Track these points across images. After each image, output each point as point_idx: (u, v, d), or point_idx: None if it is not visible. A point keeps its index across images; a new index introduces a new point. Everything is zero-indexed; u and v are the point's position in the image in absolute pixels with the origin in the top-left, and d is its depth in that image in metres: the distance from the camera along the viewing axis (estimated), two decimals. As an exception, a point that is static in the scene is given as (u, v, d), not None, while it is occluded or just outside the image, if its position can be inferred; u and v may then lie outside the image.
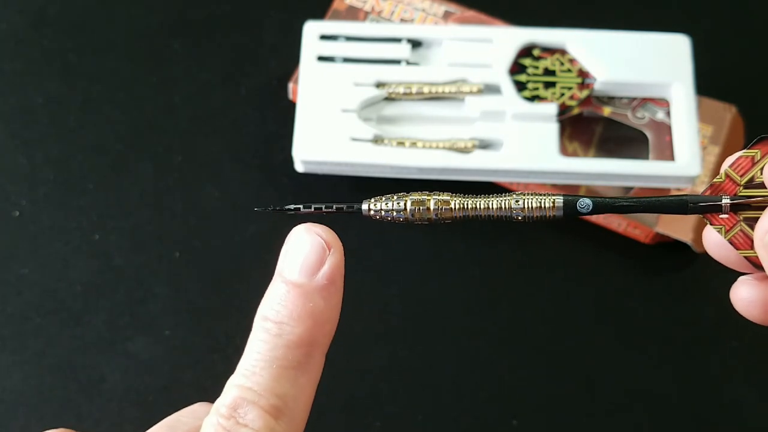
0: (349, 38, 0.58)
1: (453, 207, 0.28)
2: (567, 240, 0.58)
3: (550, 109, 0.56)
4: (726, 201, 0.26)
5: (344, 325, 0.58)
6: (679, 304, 0.57)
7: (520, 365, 0.55)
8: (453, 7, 0.61)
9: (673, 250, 0.56)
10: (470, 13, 0.61)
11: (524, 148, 0.55)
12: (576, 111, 0.57)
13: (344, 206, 0.28)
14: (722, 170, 0.27)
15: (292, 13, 0.62)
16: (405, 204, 0.28)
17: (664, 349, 0.56)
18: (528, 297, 0.57)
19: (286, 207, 0.28)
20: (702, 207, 0.27)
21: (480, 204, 0.28)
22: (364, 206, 0.28)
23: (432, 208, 0.28)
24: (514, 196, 0.28)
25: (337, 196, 0.58)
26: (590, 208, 0.28)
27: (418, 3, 0.61)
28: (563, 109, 0.56)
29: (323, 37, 0.58)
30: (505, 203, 0.28)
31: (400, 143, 0.55)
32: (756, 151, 0.26)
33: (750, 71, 0.65)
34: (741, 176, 0.26)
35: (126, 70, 0.63)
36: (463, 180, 0.56)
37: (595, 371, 0.55)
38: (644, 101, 0.58)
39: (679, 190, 0.56)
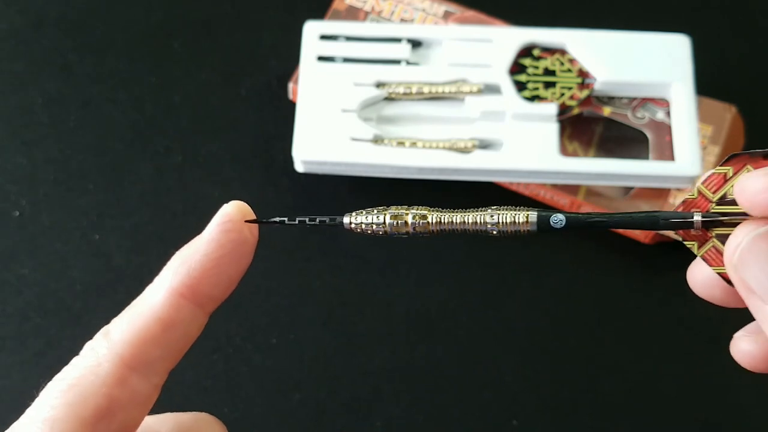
0: (349, 38, 0.58)
1: (430, 221, 0.28)
2: (567, 240, 0.58)
3: (550, 109, 0.56)
4: (698, 218, 0.26)
5: (345, 325, 0.58)
6: (679, 304, 0.57)
7: (520, 365, 0.55)
8: (453, 7, 0.61)
9: (673, 250, 0.56)
10: (470, 13, 0.61)
11: (524, 148, 0.55)
12: (576, 111, 0.57)
13: (327, 219, 0.29)
14: (695, 187, 0.27)
15: (292, 13, 0.62)
16: (384, 218, 0.29)
17: (664, 349, 0.56)
18: (528, 297, 0.57)
19: (272, 220, 0.29)
20: (674, 223, 0.27)
21: (456, 219, 0.28)
22: (346, 219, 0.29)
23: (410, 222, 0.28)
24: (489, 211, 0.28)
25: (337, 196, 0.58)
26: (563, 223, 0.28)
27: (418, 3, 0.61)
28: (563, 109, 0.56)
29: (323, 37, 0.58)
30: (480, 218, 0.28)
31: (400, 143, 0.55)
32: (728, 168, 0.26)
33: (750, 71, 0.65)
34: (713, 193, 0.26)
35: (126, 70, 0.63)
36: (463, 180, 0.56)
37: (595, 371, 0.55)
38: (644, 101, 0.58)
39: (679, 190, 0.56)
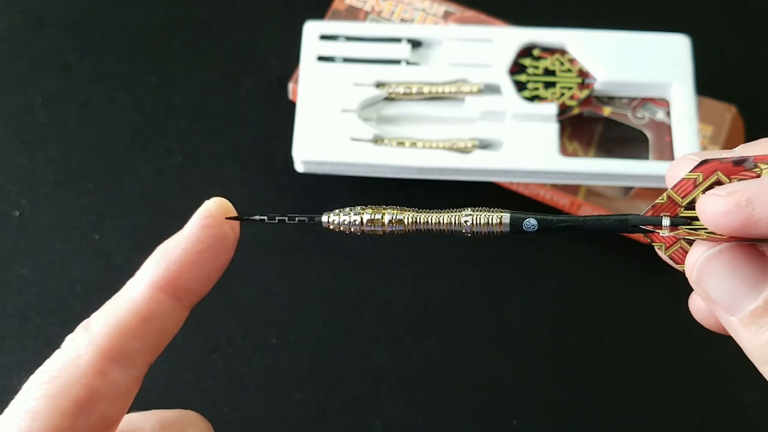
0: (349, 38, 0.58)
1: (406, 222, 0.29)
2: (567, 240, 0.58)
3: (550, 109, 0.56)
4: (666, 222, 0.27)
5: (345, 325, 0.58)
6: (679, 304, 0.57)
7: (520, 365, 0.55)
8: (453, 7, 0.61)
9: (673, 250, 0.56)
10: (470, 13, 0.61)
11: (524, 148, 0.55)
12: (576, 111, 0.57)
13: (306, 218, 0.30)
14: (665, 192, 0.27)
15: (292, 13, 0.62)
16: (361, 217, 0.29)
17: (664, 349, 0.56)
18: (528, 297, 0.57)
19: (252, 217, 0.29)
20: (643, 227, 0.28)
21: (431, 219, 0.29)
22: (324, 218, 0.30)
23: (386, 221, 0.29)
24: (464, 212, 0.29)
25: (337, 196, 0.58)
26: (536, 227, 0.28)
27: (418, 3, 0.61)
28: (563, 109, 0.56)
29: (323, 37, 0.58)
30: (454, 218, 0.29)
31: (400, 143, 0.55)
32: (698, 174, 0.26)
33: (750, 71, 0.65)
34: (683, 198, 0.27)
35: (126, 70, 0.63)
36: (463, 180, 0.56)
37: (595, 371, 0.55)
38: (644, 101, 0.58)
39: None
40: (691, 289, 0.28)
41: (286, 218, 0.29)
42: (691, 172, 0.26)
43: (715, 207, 0.24)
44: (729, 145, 0.58)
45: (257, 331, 0.55)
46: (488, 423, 0.53)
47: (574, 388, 0.54)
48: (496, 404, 0.53)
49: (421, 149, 0.55)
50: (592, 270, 0.58)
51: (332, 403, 0.53)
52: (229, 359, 0.54)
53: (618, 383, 0.54)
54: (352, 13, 0.61)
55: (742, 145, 0.27)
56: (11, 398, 0.25)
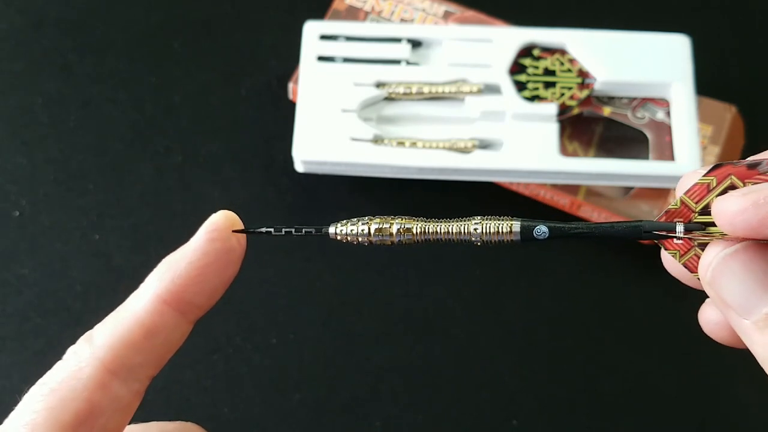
0: (349, 38, 0.58)
1: (414, 231, 0.29)
2: (567, 240, 0.58)
3: (550, 109, 0.56)
4: (680, 228, 0.27)
5: (344, 325, 0.58)
6: (678, 304, 0.57)
7: (520, 365, 0.55)
8: (453, 7, 0.61)
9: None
10: (470, 13, 0.61)
11: (524, 148, 0.55)
12: (576, 111, 0.57)
13: (313, 230, 0.29)
14: (678, 198, 0.27)
15: (292, 13, 0.62)
16: (369, 228, 0.29)
17: (665, 349, 0.56)
18: (528, 297, 0.57)
19: (259, 230, 0.29)
20: (657, 233, 0.27)
21: (440, 228, 0.29)
22: (331, 230, 0.29)
23: (394, 232, 0.29)
24: (474, 220, 0.29)
25: (337, 196, 0.58)
26: (546, 235, 0.28)
27: (418, 3, 0.61)
28: (563, 109, 0.56)
29: (323, 37, 0.58)
30: (464, 227, 0.29)
31: (400, 143, 0.55)
32: (712, 178, 0.26)
33: (750, 71, 0.65)
34: (696, 203, 0.26)
35: (126, 70, 0.63)
36: (463, 180, 0.56)
37: (595, 371, 0.55)
38: (644, 101, 0.58)
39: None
40: (694, 293, 0.28)
41: (293, 230, 0.29)
42: (704, 176, 0.26)
43: (731, 206, 0.24)
44: (729, 144, 0.58)
45: (257, 331, 0.55)
46: (488, 423, 0.53)
47: (574, 388, 0.54)
48: (496, 404, 0.53)
49: (421, 149, 0.55)
50: (592, 270, 0.58)
51: (332, 403, 0.53)
52: (229, 359, 0.54)
53: (618, 383, 0.54)
54: (352, 13, 0.61)
55: (758, 155, 0.27)
56: (10, 398, 0.25)
